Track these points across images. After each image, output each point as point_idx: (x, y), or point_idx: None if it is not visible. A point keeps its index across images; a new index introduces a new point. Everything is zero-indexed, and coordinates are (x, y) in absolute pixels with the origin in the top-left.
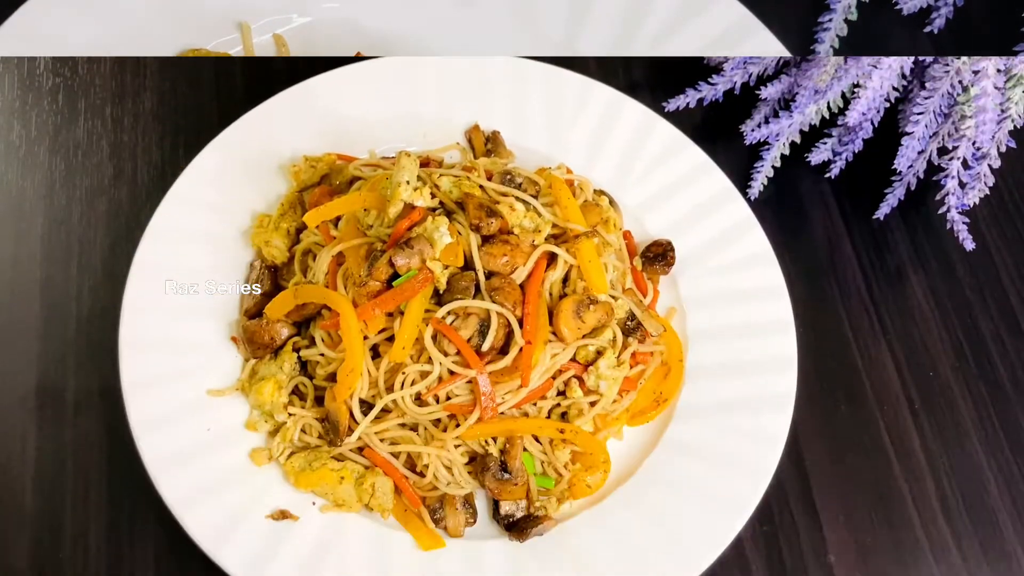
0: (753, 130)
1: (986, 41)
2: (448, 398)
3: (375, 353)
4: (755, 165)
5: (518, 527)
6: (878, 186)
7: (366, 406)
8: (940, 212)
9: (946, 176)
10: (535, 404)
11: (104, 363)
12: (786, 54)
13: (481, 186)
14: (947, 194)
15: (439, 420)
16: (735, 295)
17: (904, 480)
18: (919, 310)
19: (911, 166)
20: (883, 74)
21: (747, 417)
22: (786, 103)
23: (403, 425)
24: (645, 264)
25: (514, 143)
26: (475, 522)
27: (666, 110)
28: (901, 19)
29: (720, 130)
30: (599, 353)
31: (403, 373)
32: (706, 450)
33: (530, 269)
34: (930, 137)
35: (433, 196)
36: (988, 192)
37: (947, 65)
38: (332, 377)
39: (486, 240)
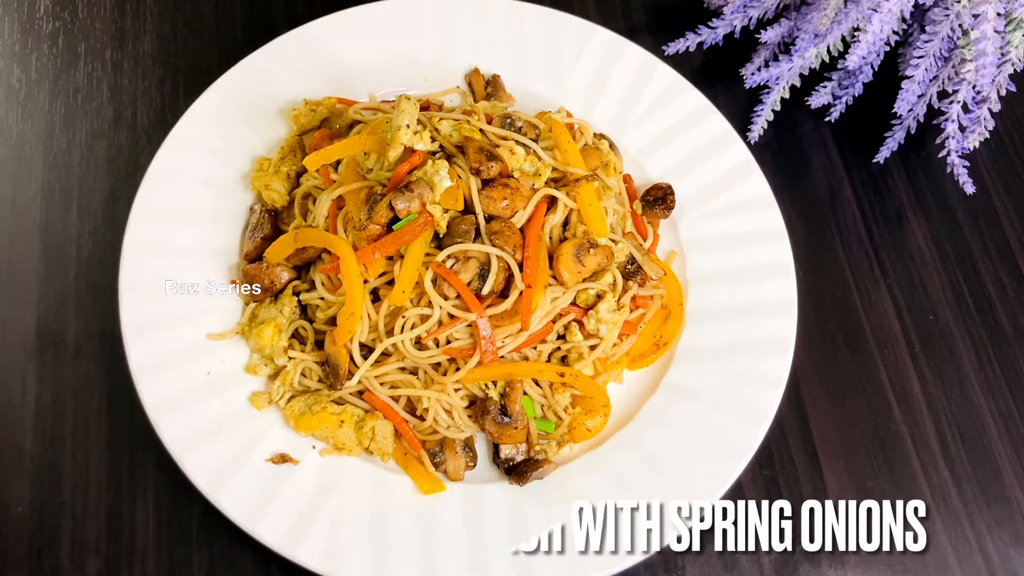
0: (753, 74)
1: None
2: (448, 342)
3: (375, 297)
4: (755, 109)
5: (518, 471)
6: (878, 130)
7: (366, 350)
8: (940, 156)
9: (946, 120)
10: (535, 348)
11: (104, 307)
12: None
13: (481, 130)
14: (947, 138)
15: (439, 364)
16: (735, 239)
17: (904, 423)
18: (919, 254)
19: (911, 110)
20: (883, 17)
21: (747, 361)
22: (786, 47)
23: (403, 369)
24: (645, 208)
25: (514, 87)
26: (475, 466)
27: (666, 53)
28: None
29: (720, 74)
30: (599, 297)
31: (403, 317)
32: (706, 394)
33: (530, 213)
34: (930, 81)
35: (433, 140)
36: (988, 136)
37: (947, 8)
38: (332, 321)
39: (486, 184)
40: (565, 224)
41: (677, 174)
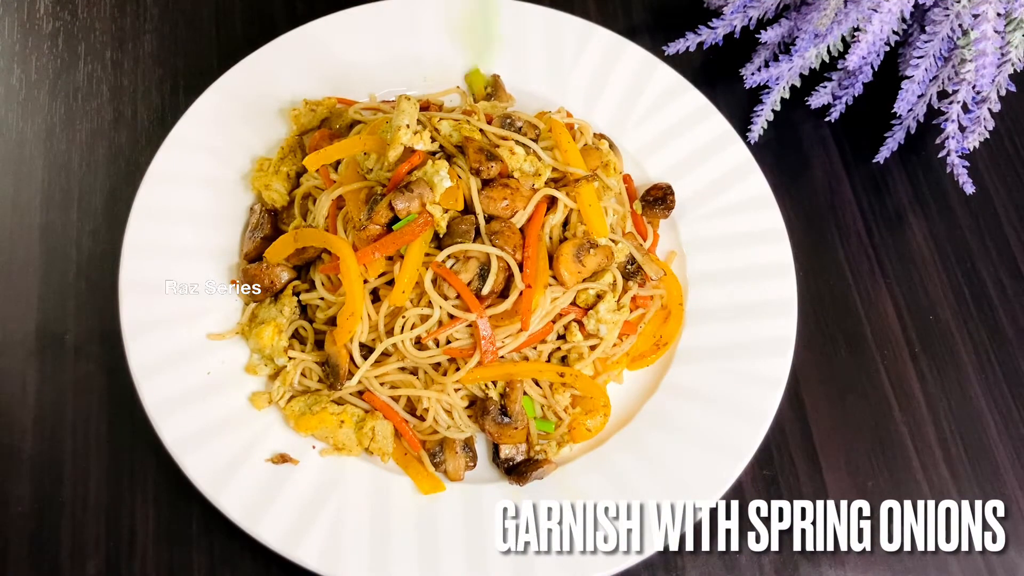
0: (753, 74)
1: None
2: (448, 342)
3: (375, 297)
4: (755, 109)
5: (518, 471)
6: (878, 130)
7: (366, 350)
8: (940, 156)
9: (946, 120)
10: (535, 348)
11: (104, 307)
12: None
13: (481, 130)
14: (947, 138)
15: (439, 364)
16: (735, 238)
17: (904, 423)
18: (919, 254)
19: (911, 110)
20: (883, 17)
21: (747, 361)
22: (786, 47)
23: (403, 369)
24: (645, 208)
25: (514, 87)
26: (475, 466)
27: (666, 54)
28: None
29: (720, 74)
30: (599, 297)
31: (403, 317)
32: (706, 394)
33: (530, 213)
34: (930, 81)
35: (433, 140)
36: (988, 136)
37: (947, 8)
38: (332, 321)
39: (486, 184)
40: (565, 224)
41: (677, 174)
